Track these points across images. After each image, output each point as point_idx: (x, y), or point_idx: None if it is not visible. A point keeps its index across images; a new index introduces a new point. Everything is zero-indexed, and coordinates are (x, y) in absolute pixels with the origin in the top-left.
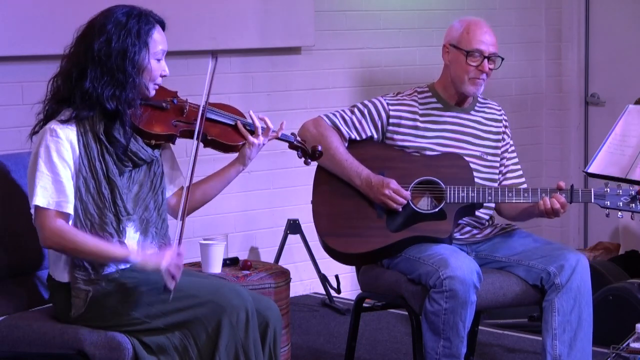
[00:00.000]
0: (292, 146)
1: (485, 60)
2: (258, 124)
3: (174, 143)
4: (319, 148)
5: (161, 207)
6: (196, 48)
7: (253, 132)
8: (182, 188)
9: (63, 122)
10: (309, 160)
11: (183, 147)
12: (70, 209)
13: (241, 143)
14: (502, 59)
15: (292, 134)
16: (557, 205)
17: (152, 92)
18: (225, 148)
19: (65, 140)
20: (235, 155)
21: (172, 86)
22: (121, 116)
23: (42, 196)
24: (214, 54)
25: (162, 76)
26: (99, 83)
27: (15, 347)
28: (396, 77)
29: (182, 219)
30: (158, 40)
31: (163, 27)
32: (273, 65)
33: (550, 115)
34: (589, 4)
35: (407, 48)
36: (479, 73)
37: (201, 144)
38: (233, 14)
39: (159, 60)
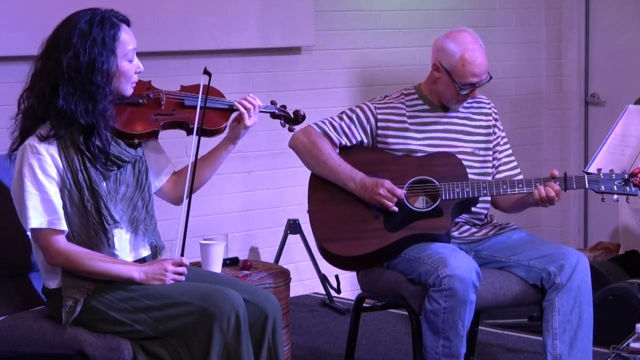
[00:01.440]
0: (274, 115)
1: (477, 87)
2: (249, 105)
3: (156, 138)
4: (302, 112)
5: (149, 203)
6: (196, 48)
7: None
8: (174, 173)
9: (43, 138)
10: (294, 127)
11: (182, 147)
12: (63, 226)
13: (224, 125)
14: (491, 77)
15: (272, 102)
16: (552, 193)
17: (131, 91)
18: (209, 133)
19: (47, 155)
20: (219, 138)
21: (172, 86)
22: (97, 127)
23: (34, 217)
24: (207, 72)
25: (137, 73)
26: (72, 99)
27: (15, 347)
28: (396, 77)
29: (184, 229)
30: (126, 40)
31: (128, 24)
32: (273, 65)
33: (550, 115)
34: (589, 4)
35: (407, 48)
36: (468, 97)
37: (184, 132)
38: (233, 14)
39: (130, 60)
